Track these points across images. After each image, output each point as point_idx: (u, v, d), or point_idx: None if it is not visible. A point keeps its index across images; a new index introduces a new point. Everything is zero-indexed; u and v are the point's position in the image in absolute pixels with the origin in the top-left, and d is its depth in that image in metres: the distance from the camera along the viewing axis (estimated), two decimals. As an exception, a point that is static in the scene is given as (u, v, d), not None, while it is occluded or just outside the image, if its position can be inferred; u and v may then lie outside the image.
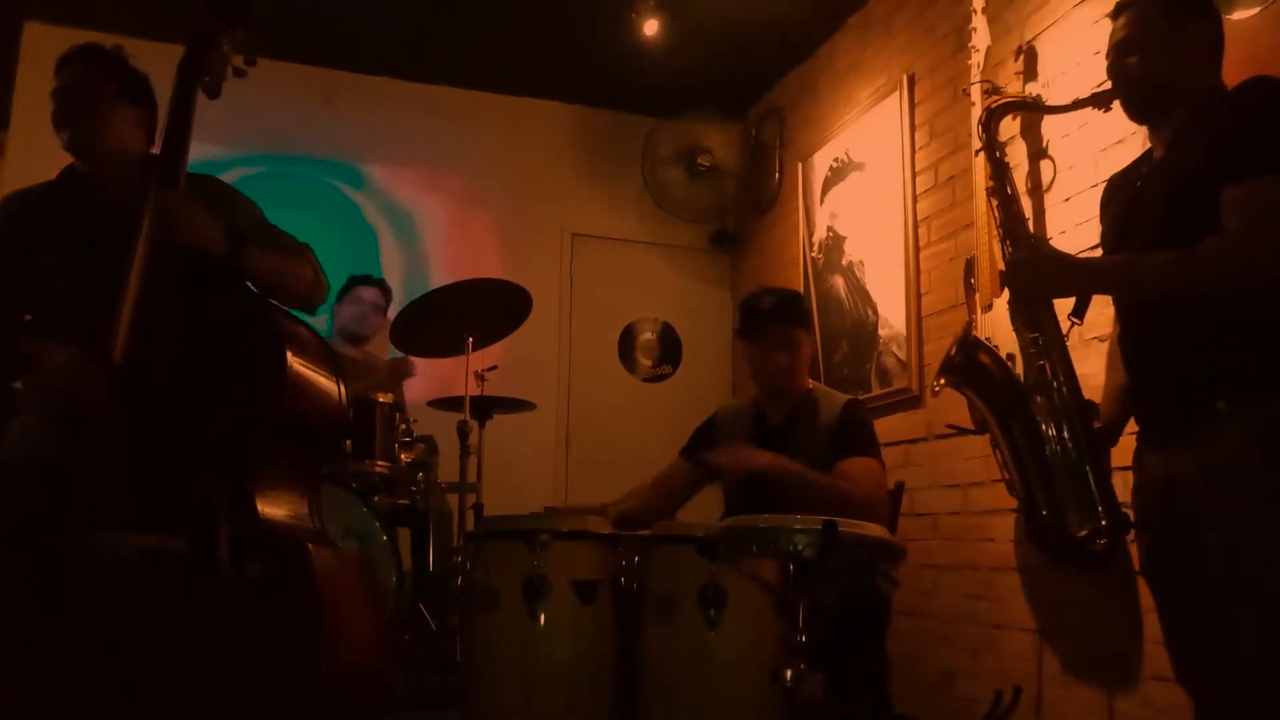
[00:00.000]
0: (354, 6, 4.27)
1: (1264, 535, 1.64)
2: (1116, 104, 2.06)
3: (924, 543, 3.38)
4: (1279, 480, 1.65)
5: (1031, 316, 2.11)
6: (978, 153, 2.64)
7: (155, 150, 2.10)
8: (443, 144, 5.05)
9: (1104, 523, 2.06)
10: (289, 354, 1.91)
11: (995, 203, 2.28)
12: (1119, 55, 1.98)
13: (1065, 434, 2.10)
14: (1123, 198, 2.05)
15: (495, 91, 5.10)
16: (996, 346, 2.49)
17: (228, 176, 2.47)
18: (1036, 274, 2.05)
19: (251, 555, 1.74)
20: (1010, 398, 2.23)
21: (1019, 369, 2.30)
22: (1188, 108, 1.89)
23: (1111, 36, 2.01)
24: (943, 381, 2.48)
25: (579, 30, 4.50)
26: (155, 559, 1.72)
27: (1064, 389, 2.08)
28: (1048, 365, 2.10)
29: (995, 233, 2.33)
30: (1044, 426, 2.14)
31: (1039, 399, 2.12)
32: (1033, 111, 2.87)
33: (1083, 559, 2.27)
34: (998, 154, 2.35)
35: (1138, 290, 1.88)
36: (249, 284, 2.05)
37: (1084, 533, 2.05)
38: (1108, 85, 2.06)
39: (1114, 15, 2.03)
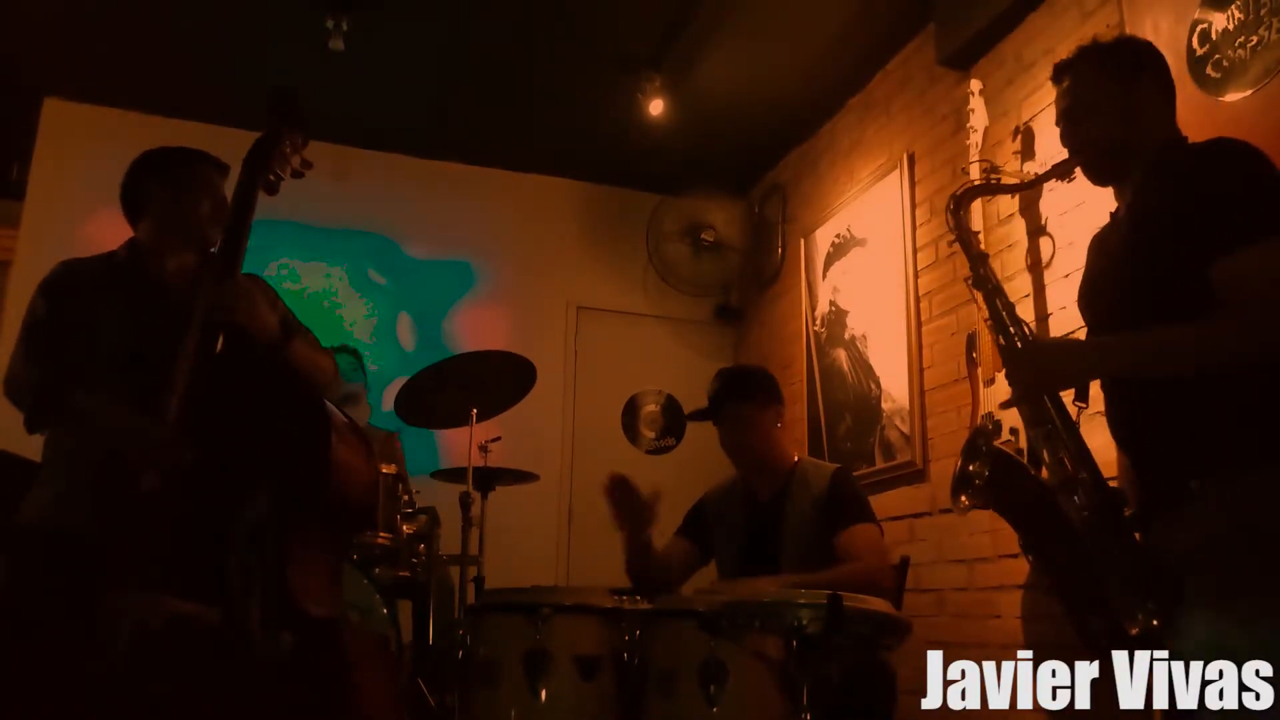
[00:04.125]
0: (366, 85, 4.37)
1: (1250, 616, 1.58)
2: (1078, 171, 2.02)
3: (930, 619, 3.33)
4: (1258, 561, 1.60)
5: (1038, 409, 1.95)
6: (951, 244, 2.45)
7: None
8: (452, 218, 5.13)
9: (1155, 621, 1.91)
10: (333, 436, 1.96)
11: (980, 295, 2.14)
12: (1069, 123, 1.96)
13: (1098, 531, 1.88)
14: (1095, 256, 2.02)
15: (503, 168, 5.20)
16: (1014, 435, 2.34)
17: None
18: (1035, 367, 1.93)
19: (284, 628, 1.73)
20: (1039, 508, 2.04)
21: (1021, 443, 2.23)
22: (1147, 162, 1.85)
23: (1057, 104, 1.99)
24: (965, 500, 2.31)
25: (586, 109, 4.60)
26: (186, 626, 1.70)
27: (1088, 482, 1.89)
28: (1066, 459, 1.91)
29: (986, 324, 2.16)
30: (1076, 527, 1.91)
31: (1065, 498, 1.96)
32: (997, 194, 2.69)
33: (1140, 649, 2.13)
34: (971, 243, 2.17)
35: (1143, 369, 1.78)
36: (290, 370, 2.11)
37: (1135, 631, 1.89)
38: (1064, 155, 2.02)
39: (1055, 79, 2.00)
